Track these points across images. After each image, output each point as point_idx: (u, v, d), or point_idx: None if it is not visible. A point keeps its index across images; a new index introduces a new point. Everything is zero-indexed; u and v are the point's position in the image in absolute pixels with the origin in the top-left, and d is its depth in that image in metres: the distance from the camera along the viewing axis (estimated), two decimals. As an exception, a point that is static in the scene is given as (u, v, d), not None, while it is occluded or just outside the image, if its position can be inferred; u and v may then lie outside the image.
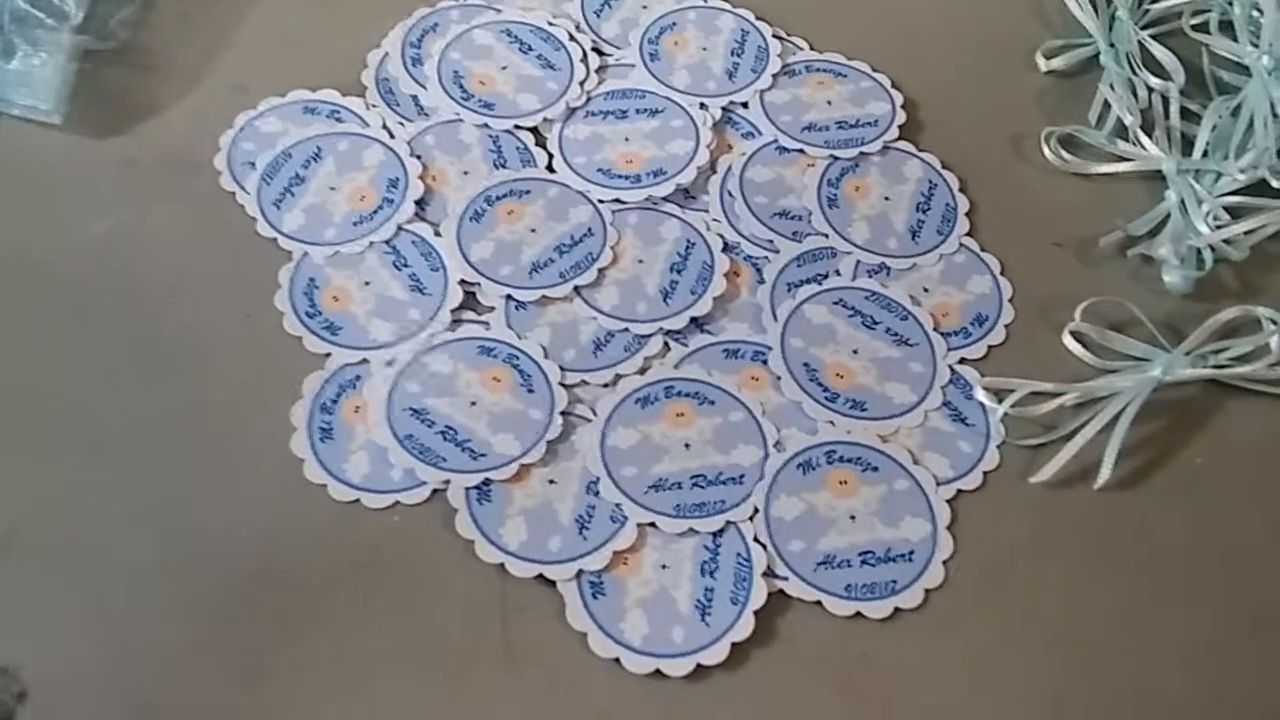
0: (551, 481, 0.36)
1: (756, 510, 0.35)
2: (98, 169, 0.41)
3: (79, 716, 0.31)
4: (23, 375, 0.37)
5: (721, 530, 0.35)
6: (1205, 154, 0.44)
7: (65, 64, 0.41)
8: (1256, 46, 0.43)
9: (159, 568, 0.34)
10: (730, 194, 0.42)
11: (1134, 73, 0.46)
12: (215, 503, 0.35)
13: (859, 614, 0.34)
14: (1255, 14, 0.44)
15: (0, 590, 0.33)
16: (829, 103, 0.45)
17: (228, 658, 0.32)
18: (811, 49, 0.47)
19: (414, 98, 0.44)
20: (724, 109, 0.45)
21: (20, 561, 0.33)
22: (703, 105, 0.44)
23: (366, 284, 0.39)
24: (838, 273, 0.41)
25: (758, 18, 0.47)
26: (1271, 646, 0.34)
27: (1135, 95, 0.45)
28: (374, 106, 0.43)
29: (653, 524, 0.35)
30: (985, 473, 0.37)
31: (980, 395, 0.38)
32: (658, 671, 0.33)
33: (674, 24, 0.47)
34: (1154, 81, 0.45)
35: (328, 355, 0.38)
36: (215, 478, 0.35)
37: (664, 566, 0.34)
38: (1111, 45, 0.47)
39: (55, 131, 0.41)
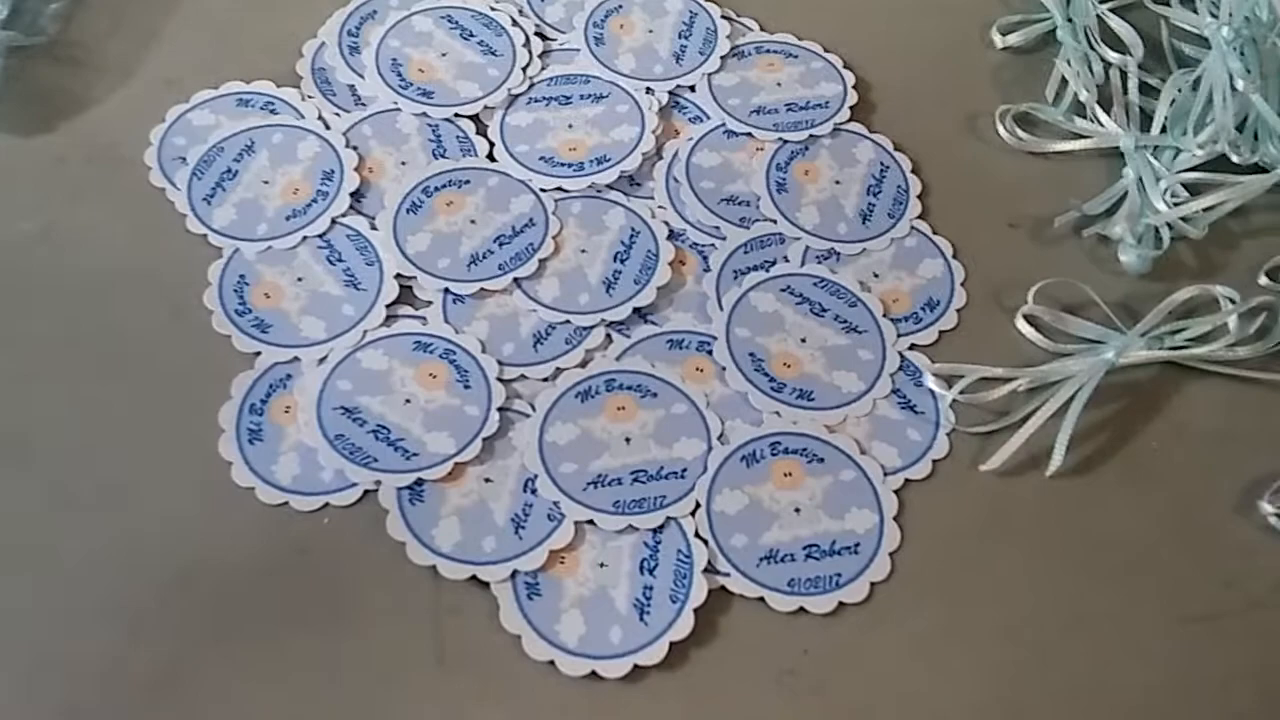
0: (487, 480, 0.35)
1: (698, 505, 0.34)
2: (26, 167, 0.40)
3: (0, 726, 0.31)
4: (-56, 380, 0.36)
5: (662, 526, 0.34)
6: (1164, 129, 0.43)
7: (-10, 60, 0.40)
8: (1216, 18, 0.42)
9: (83, 571, 0.33)
10: (676, 180, 0.41)
11: (1091, 47, 0.44)
12: (141, 505, 0.34)
13: (802, 609, 0.33)
14: (1216, -16, 0.43)
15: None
16: (779, 84, 0.44)
17: (153, 661, 0.32)
18: (762, 30, 0.46)
19: (351, 87, 0.43)
20: (671, 93, 0.43)
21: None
22: (649, 90, 0.43)
23: (299, 280, 0.38)
24: (786, 259, 0.40)
25: (706, -1, 0.46)
26: (1225, 631, 0.34)
27: (1092, 70, 0.44)
28: (310, 97, 0.42)
29: (591, 521, 0.34)
30: (934, 461, 0.36)
31: (930, 382, 0.37)
32: (594, 673, 0.32)
33: (620, 6, 0.46)
34: (1112, 56, 0.44)
35: (258, 354, 0.37)
36: (141, 480, 0.34)
37: (602, 565, 0.33)
38: (1069, 20, 0.45)
39: (-19, 129, 0.41)
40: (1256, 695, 0.33)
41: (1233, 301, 0.38)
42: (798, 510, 0.35)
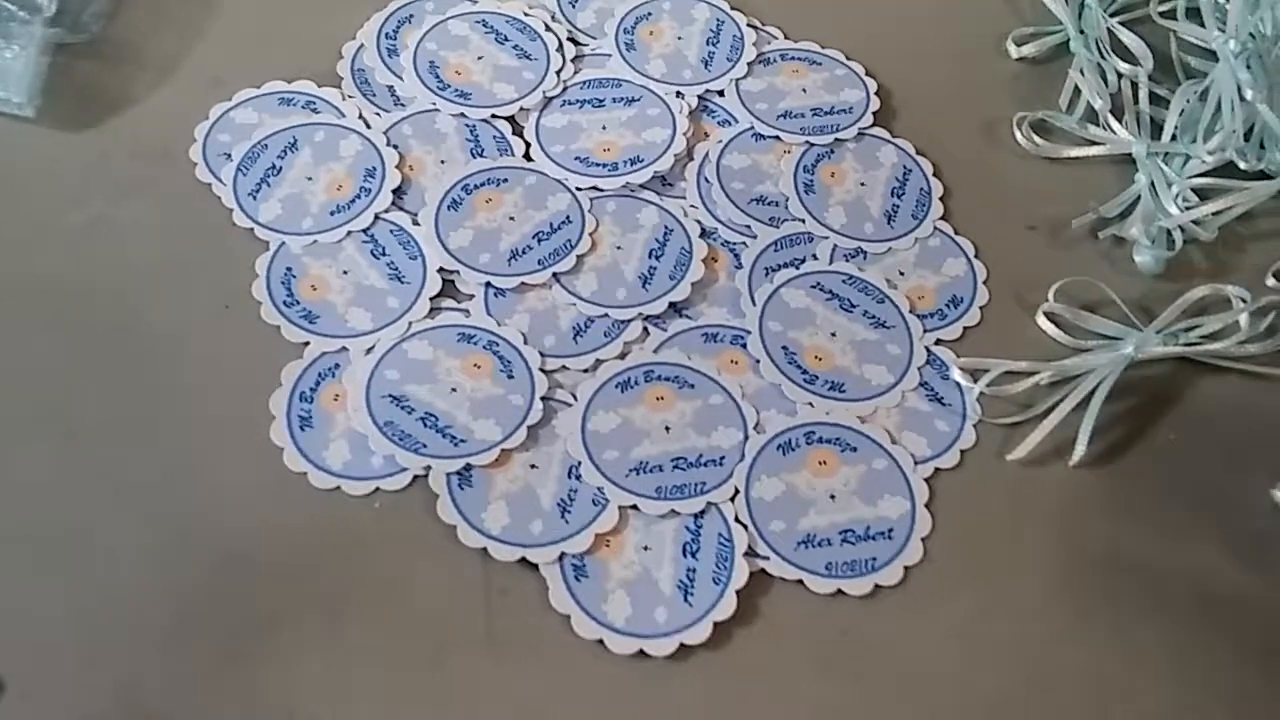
0: (533, 466, 0.36)
1: (737, 491, 0.36)
2: (72, 162, 0.41)
3: (59, 702, 0.31)
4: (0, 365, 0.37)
5: (703, 511, 0.35)
6: (1174, 137, 0.44)
7: (37, 57, 0.41)
8: (1223, 31, 0.44)
9: (138, 555, 0.34)
10: (707, 180, 0.43)
11: (1103, 58, 0.46)
12: (195, 491, 0.35)
13: (840, 591, 0.34)
14: (1221, -1, 0.45)
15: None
16: (804, 90, 0.45)
17: (208, 643, 0.32)
18: (786, 38, 0.47)
19: (390, 88, 0.44)
20: (700, 97, 0.45)
21: (-2, 552, 0.33)
22: (679, 94, 0.45)
23: (345, 273, 0.39)
24: (815, 257, 0.41)
25: (732, 7, 0.47)
26: (1240, 613, 0.35)
27: (1105, 80, 0.46)
28: (350, 97, 0.43)
29: (634, 506, 0.35)
30: (962, 451, 0.37)
31: (956, 375, 0.39)
32: (641, 652, 0.33)
33: (649, 14, 0.47)
34: (1123, 67, 0.46)
35: (306, 344, 0.38)
36: (195, 467, 0.35)
37: (646, 548, 0.35)
38: (1081, 32, 0.47)
39: (28, 125, 0.41)
40: (1268, 673, 0.34)
41: (1244, 301, 0.40)
42: (833, 497, 0.36)
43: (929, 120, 0.45)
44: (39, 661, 0.32)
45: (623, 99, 0.44)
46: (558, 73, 0.45)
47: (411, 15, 0.46)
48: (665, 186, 0.43)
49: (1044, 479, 0.37)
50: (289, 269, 0.39)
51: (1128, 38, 0.46)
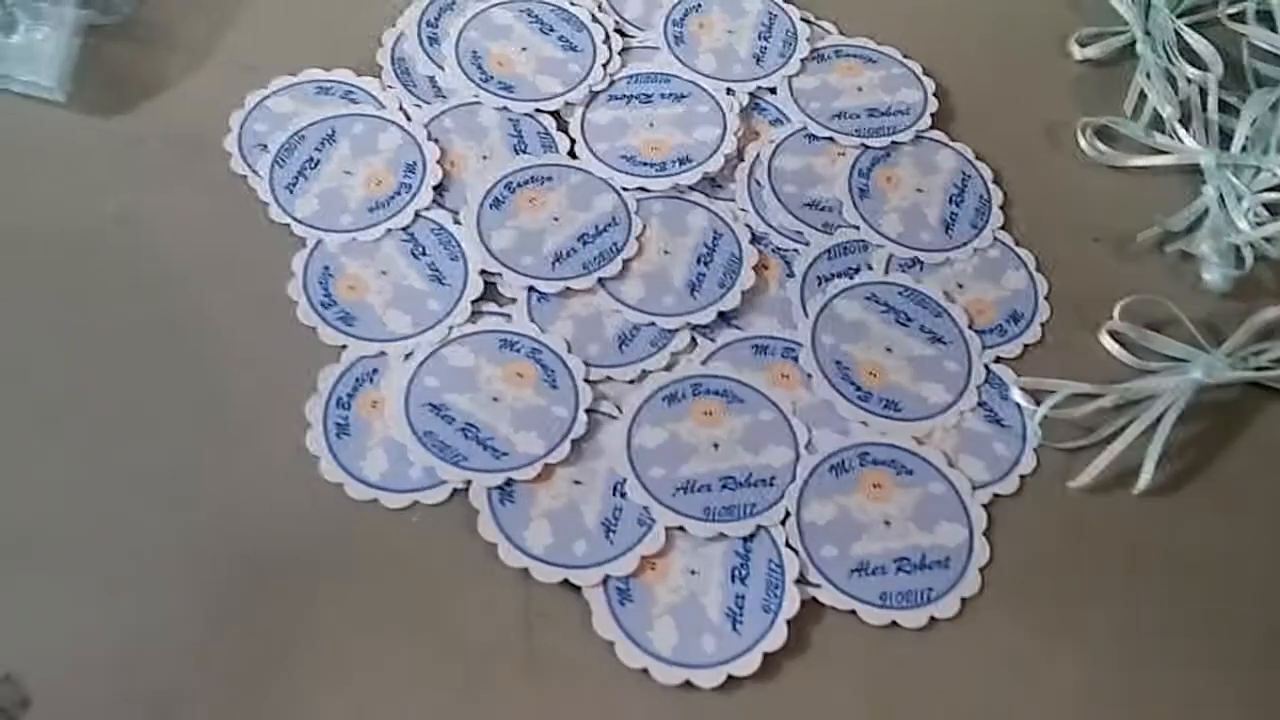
0: (577, 482, 0.34)
1: (788, 514, 0.34)
2: (103, 148, 0.40)
3: (91, 712, 0.30)
4: (29, 360, 0.35)
5: (752, 535, 0.34)
6: (1244, 148, 0.42)
7: (68, 39, 0.40)
8: (1297, 38, 0.42)
9: (170, 564, 0.32)
10: (758, 183, 0.41)
11: (1171, 63, 0.44)
12: (228, 499, 0.34)
13: (894, 623, 0.33)
14: (1295, 4, 0.43)
15: (5, 592, 0.32)
16: (859, 89, 0.44)
17: (239, 657, 0.31)
18: (840, 33, 0.46)
19: (431, 79, 0.42)
20: (751, 94, 0.43)
21: (26, 559, 0.32)
22: (729, 90, 0.43)
23: (383, 273, 0.38)
24: (869, 266, 0.40)
25: (785, 0, 0.46)
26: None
27: (1173, 86, 0.44)
28: (390, 87, 0.42)
29: (681, 528, 0.34)
30: (1022, 476, 0.36)
31: (1017, 396, 0.37)
32: (688, 683, 0.31)
33: (699, 5, 0.45)
34: (1191, 72, 0.44)
35: (343, 347, 0.36)
36: (227, 473, 0.34)
37: (693, 572, 0.33)
38: (1148, 34, 0.45)
39: (59, 109, 0.40)
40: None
41: (1316, 324, 0.38)
42: (887, 523, 0.35)
43: (988, 123, 0.44)
44: (70, 675, 0.31)
45: (671, 95, 0.43)
46: (604, 66, 0.43)
47: (454, 2, 0.44)
48: (714, 188, 0.41)
49: (1107, 508, 0.36)
50: (326, 268, 0.38)
51: (1196, 41, 0.44)
